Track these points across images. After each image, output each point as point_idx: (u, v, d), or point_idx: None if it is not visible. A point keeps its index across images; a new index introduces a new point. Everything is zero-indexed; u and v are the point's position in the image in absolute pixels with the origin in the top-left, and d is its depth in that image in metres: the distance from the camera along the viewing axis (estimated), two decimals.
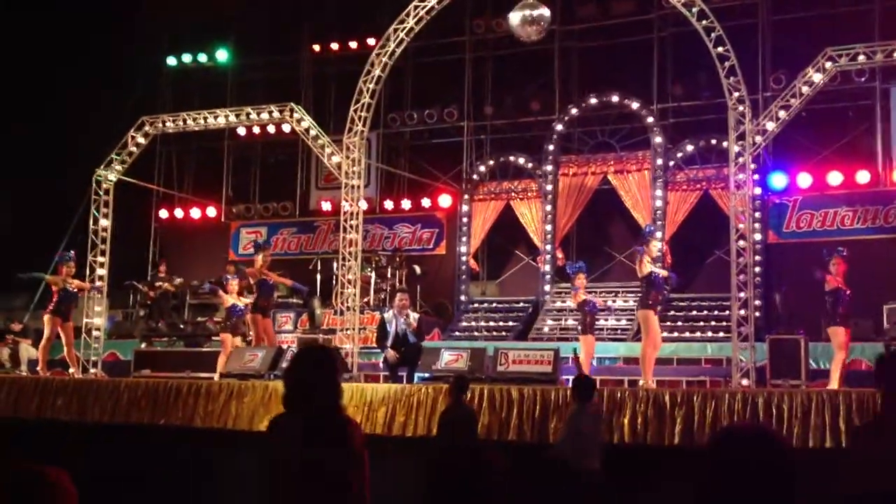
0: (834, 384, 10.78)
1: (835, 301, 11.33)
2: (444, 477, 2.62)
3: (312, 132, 15.00)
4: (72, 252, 14.80)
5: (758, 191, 16.10)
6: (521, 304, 18.35)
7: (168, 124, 16.13)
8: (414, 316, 12.49)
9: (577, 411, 8.72)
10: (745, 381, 11.62)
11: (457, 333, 17.30)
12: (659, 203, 17.53)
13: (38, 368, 14.03)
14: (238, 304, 14.04)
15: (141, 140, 15.98)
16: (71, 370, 14.11)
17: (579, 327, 13.03)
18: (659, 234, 16.45)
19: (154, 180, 21.56)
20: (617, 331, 16.21)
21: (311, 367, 4.17)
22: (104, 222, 15.78)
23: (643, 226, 14.90)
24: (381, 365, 13.38)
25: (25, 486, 2.07)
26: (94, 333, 15.42)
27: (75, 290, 14.19)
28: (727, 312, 13.62)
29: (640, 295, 12.95)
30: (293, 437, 4.02)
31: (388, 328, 12.13)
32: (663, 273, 12.28)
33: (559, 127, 18.66)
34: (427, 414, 10.58)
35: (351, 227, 14.39)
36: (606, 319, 16.50)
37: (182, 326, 17.58)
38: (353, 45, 20.82)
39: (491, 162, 19.50)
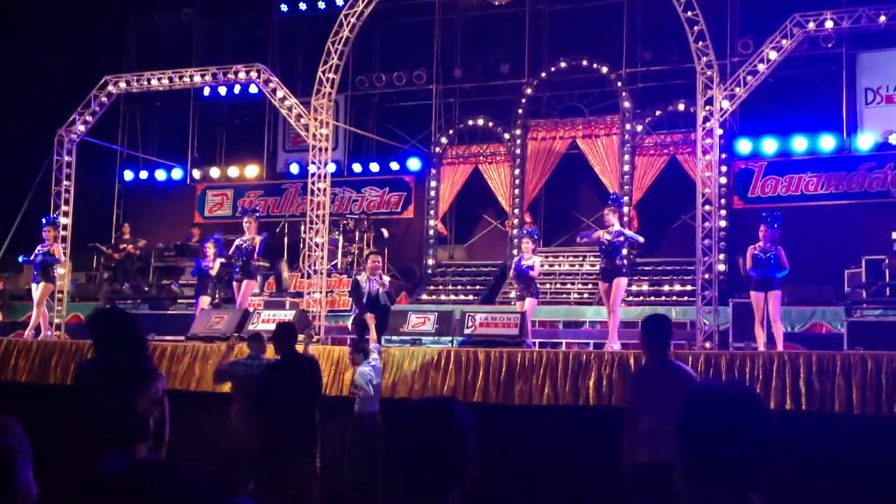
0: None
1: None
2: (411, 430, 2.52)
3: (280, 93, 14.82)
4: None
5: (724, 156, 16.17)
6: (489, 268, 18.38)
7: (132, 83, 15.86)
8: (386, 278, 12.44)
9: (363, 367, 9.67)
10: (708, 344, 11.76)
11: (424, 297, 17.32)
12: (627, 168, 17.58)
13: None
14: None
15: (104, 99, 15.70)
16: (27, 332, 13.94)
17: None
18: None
19: (118, 141, 21.27)
20: (584, 294, 16.30)
21: (111, 326, 4.83)
22: (67, 183, 15.54)
23: (611, 191, 14.87)
24: (349, 327, 13.34)
25: None
26: (58, 296, 15.23)
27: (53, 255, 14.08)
28: (692, 276, 13.74)
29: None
30: (96, 379, 4.82)
31: (361, 290, 11.96)
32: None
33: (528, 91, 18.61)
34: (393, 375, 10.63)
35: (318, 189, 14.30)
36: (573, 283, 16.57)
37: (147, 289, 17.43)
38: (322, 5, 20.58)
39: (460, 125, 19.41)
